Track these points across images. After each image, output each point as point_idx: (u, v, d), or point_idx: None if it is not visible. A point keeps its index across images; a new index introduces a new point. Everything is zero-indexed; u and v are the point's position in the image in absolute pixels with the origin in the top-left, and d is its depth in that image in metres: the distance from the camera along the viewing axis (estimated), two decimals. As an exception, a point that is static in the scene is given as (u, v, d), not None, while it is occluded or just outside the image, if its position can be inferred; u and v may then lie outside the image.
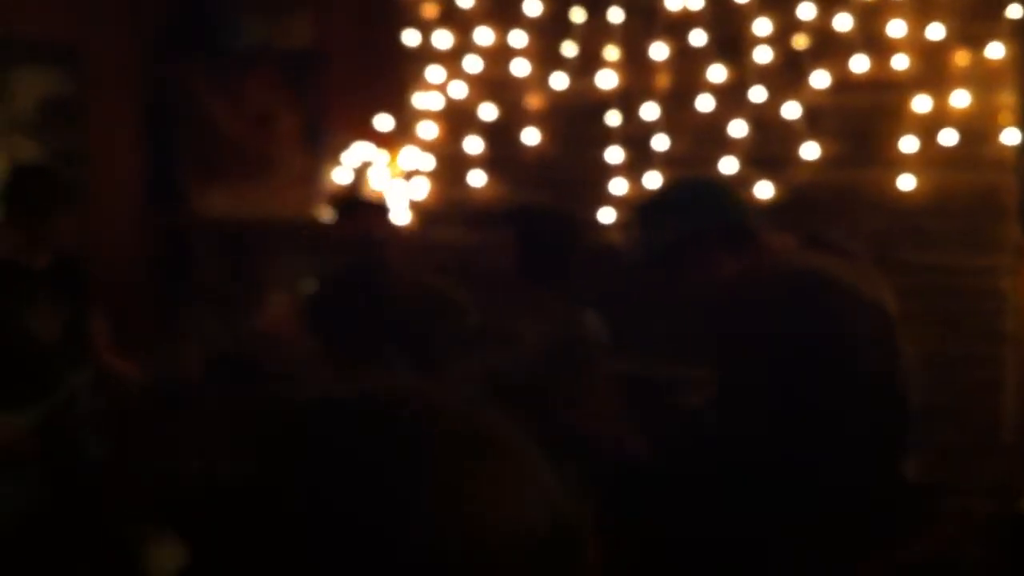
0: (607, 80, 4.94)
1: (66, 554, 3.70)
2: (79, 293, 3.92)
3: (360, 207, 4.26)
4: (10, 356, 3.71)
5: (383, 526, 0.76)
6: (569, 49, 4.99)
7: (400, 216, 5.17)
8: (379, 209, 4.30)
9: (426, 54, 5.20)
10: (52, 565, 3.65)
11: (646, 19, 4.89)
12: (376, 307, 3.83)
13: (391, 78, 5.25)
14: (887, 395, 2.70)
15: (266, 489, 0.80)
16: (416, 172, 5.21)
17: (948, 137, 4.48)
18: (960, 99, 4.49)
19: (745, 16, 4.75)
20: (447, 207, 5.17)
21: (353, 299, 3.91)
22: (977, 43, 4.52)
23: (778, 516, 2.60)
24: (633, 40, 4.91)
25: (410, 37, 5.22)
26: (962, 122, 4.49)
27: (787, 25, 4.71)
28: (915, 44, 4.58)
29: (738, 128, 4.72)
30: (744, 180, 4.66)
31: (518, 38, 5.08)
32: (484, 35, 5.12)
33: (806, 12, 4.67)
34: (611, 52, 4.95)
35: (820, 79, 4.64)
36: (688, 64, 4.84)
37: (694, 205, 2.89)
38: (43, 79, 5.28)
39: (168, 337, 4.94)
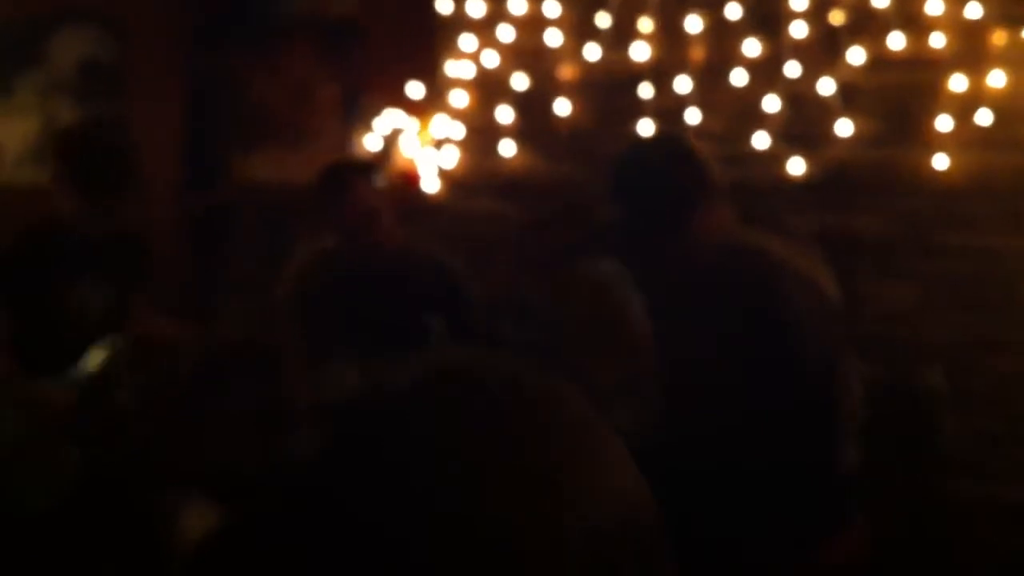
0: (640, 52, 4.91)
1: (102, 526, 3.73)
2: (130, 268, 3.91)
3: (346, 178, 3.88)
4: (51, 326, 3.72)
5: (458, 507, 0.75)
6: (603, 20, 4.97)
7: (430, 184, 5.17)
8: (368, 178, 3.92)
9: (459, 22, 5.18)
10: (89, 536, 3.68)
11: (681, -9, 4.86)
12: (368, 290, 3.79)
13: (424, 45, 5.23)
14: (821, 375, 2.70)
15: (331, 479, 0.80)
16: (447, 140, 5.20)
17: (984, 117, 4.45)
18: (997, 79, 4.46)
19: (781, -10, 4.71)
20: (477, 177, 5.16)
21: (336, 293, 3.84)
22: (1015, 23, 4.48)
23: (721, 504, 2.62)
24: (667, 12, 4.89)
25: (443, 5, 5.20)
26: (999, 102, 4.46)
27: (824, 0, 4.67)
28: (953, 23, 4.54)
29: (772, 103, 4.69)
30: (777, 156, 4.65)
31: (552, 8, 5.06)
32: (518, 4, 5.10)
33: (843, -12, 4.64)
34: (645, 24, 4.92)
35: (856, 56, 4.61)
36: (722, 38, 4.81)
37: (618, 197, 2.89)
38: (84, 41, 5.28)
39: (205, 306, 4.96)
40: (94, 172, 3.68)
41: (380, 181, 3.99)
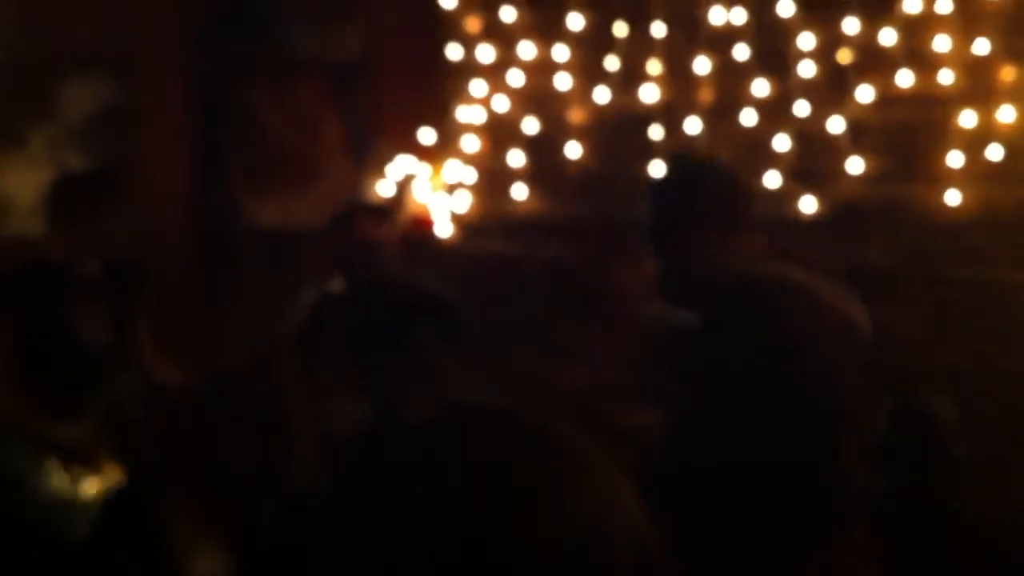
0: (650, 94, 4.94)
1: (119, 559, 3.73)
2: (129, 300, 3.94)
3: (352, 214, 4.20)
4: (58, 363, 3.74)
5: (464, 543, 0.75)
6: (612, 63, 5.00)
7: (443, 229, 5.20)
8: (372, 215, 4.24)
9: (469, 68, 5.23)
10: (98, 556, 3.68)
11: (689, 33, 4.89)
12: (368, 325, 3.87)
13: (435, 91, 5.28)
14: (836, 403, 2.70)
15: (346, 508, 0.80)
16: (459, 185, 5.23)
17: (994, 152, 4.45)
18: (1006, 114, 4.46)
19: (789, 30, 4.73)
20: (490, 220, 5.19)
21: (344, 323, 3.95)
22: (1023, 58, 4.49)
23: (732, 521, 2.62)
24: (676, 54, 4.91)
25: (453, 51, 5.25)
26: (1009, 137, 4.45)
27: (831, 39, 4.69)
28: (960, 59, 4.55)
29: (782, 143, 4.71)
30: (788, 195, 4.66)
31: (561, 52, 5.10)
32: (527, 49, 5.14)
33: (851, 27, 4.65)
34: (654, 66, 4.95)
35: (865, 94, 4.63)
36: (731, 78, 4.84)
37: (652, 207, 2.92)
38: (94, 90, 5.35)
39: (212, 343, 4.98)
40: (64, 205, 3.75)
41: (389, 223, 4.14)
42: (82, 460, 3.68)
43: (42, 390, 3.71)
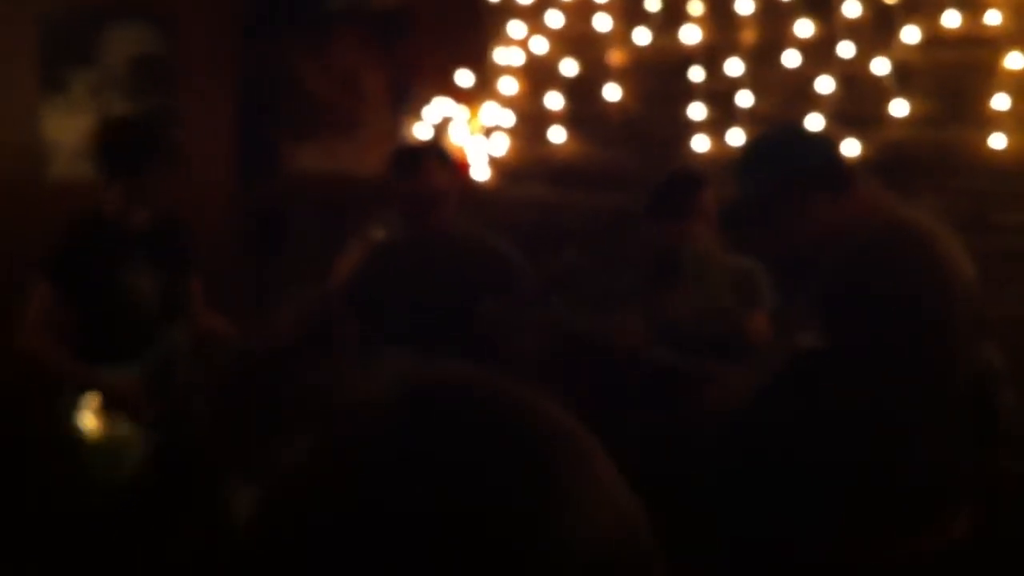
0: (691, 35, 4.88)
1: (166, 507, 3.78)
2: (177, 254, 3.94)
3: (420, 159, 3.82)
4: (108, 315, 3.76)
5: (454, 526, 0.74)
6: (652, 3, 4.94)
7: (480, 172, 5.17)
8: (441, 161, 3.87)
9: (508, 9, 5.18)
10: (154, 517, 3.73)
11: (731, -27, 4.82)
12: (423, 286, 3.75)
13: (473, 34, 5.23)
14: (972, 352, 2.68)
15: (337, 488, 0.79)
16: (496, 128, 5.20)
17: (1042, 95, 4.38)
18: (1055, 56, 4.39)
19: (834, -30, 4.66)
20: (527, 163, 5.15)
21: (396, 282, 3.82)
22: (1072, -2, 4.40)
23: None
24: (718, -6, 4.85)
25: (492, -8, 5.20)
26: (1057, 80, 4.38)
27: (877, -21, 4.62)
28: (1008, 0, 4.47)
29: (825, 84, 4.64)
30: (831, 137, 4.59)
31: (600, -8, 5.05)
32: (566, -11, 5.09)
33: (897, -35, 4.58)
34: (695, 7, 4.89)
35: (911, 34, 4.55)
36: (774, 19, 4.77)
37: (787, 149, 2.85)
38: (136, 37, 5.35)
39: (259, 297, 4.99)
40: (125, 154, 3.71)
41: (453, 170, 3.93)
42: (128, 408, 3.72)
43: (94, 338, 3.75)
